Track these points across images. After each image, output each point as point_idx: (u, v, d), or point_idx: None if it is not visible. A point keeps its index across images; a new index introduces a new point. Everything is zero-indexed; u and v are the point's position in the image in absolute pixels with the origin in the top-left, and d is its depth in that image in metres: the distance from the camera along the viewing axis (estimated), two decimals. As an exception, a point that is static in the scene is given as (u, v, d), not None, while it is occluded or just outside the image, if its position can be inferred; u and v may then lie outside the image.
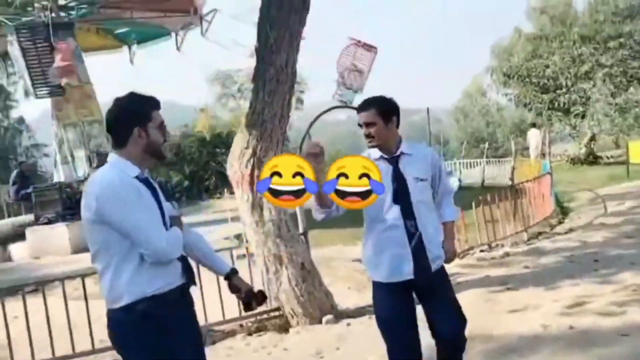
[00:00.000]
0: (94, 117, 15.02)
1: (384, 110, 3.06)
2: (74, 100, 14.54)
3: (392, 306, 3.04)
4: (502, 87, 25.53)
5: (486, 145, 20.69)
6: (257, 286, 5.65)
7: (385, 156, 3.07)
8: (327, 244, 10.16)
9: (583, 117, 21.17)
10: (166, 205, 2.50)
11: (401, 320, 3.04)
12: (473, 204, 8.05)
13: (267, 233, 5.41)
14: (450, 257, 3.22)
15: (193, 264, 2.63)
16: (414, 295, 3.11)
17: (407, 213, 2.99)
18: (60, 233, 11.67)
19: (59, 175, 14.40)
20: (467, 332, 3.11)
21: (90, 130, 14.81)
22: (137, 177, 2.39)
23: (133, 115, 2.41)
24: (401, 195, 3.00)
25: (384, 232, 3.01)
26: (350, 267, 8.13)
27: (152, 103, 2.46)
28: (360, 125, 3.09)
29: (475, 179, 19.53)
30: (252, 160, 5.47)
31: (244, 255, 5.83)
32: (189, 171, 22.92)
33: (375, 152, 3.07)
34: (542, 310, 4.96)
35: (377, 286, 3.10)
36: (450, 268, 6.78)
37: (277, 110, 5.52)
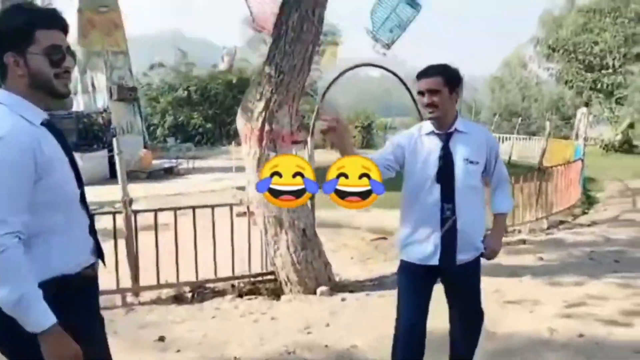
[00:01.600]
0: (120, 48, 14.74)
1: (451, 78, 2.79)
2: (100, 27, 14.22)
3: (411, 289, 2.90)
4: (544, 60, 24.46)
5: (518, 120, 19.93)
6: (255, 249, 5.48)
7: (437, 131, 2.82)
8: (340, 207, 9.88)
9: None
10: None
11: (414, 304, 2.89)
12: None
13: (269, 193, 5.09)
14: (490, 254, 2.89)
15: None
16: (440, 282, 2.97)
17: (447, 195, 2.76)
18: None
19: (78, 104, 14.27)
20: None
21: (114, 61, 14.55)
22: (42, 124, 1.81)
23: (3, 36, 1.77)
24: (444, 175, 2.76)
25: (420, 212, 2.82)
26: (359, 236, 7.87)
27: (37, 18, 1.79)
28: (420, 93, 2.81)
29: (503, 155, 18.94)
30: (263, 113, 5.09)
31: (244, 213, 5.53)
32: (211, 113, 22.64)
33: (427, 126, 2.86)
34: (551, 311, 4.60)
35: (403, 265, 2.94)
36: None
37: (297, 61, 5.09)
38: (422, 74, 2.83)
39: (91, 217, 1.98)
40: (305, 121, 18.80)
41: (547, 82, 31.97)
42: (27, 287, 1.67)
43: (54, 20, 1.82)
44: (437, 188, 2.76)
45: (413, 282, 2.88)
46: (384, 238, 7.71)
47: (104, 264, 2.06)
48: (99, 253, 2.00)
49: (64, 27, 1.84)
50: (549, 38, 22.63)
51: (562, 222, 8.35)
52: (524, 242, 7.12)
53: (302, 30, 4.97)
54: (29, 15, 1.80)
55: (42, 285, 1.74)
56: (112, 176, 10.43)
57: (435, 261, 2.78)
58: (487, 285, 5.21)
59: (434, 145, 2.81)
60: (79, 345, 1.78)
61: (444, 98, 2.76)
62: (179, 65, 26.03)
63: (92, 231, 1.98)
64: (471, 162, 2.78)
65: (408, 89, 7.40)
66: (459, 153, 2.78)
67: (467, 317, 2.95)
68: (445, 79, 2.77)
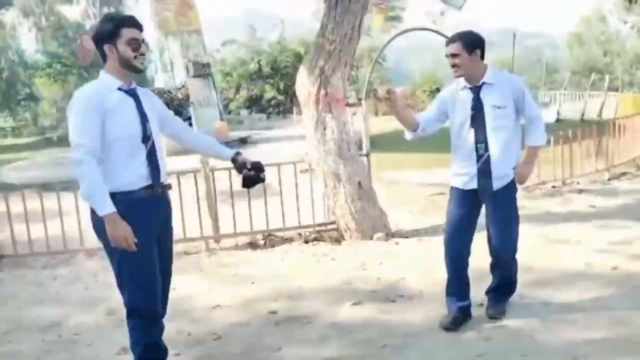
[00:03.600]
0: (193, 27, 15.66)
1: (468, 42, 3.39)
2: (174, 8, 15.17)
3: (458, 205, 3.56)
4: (625, 12, 23.23)
5: (592, 76, 19.27)
6: (318, 201, 6.11)
7: (469, 86, 3.45)
8: (408, 167, 10.39)
9: None
10: (159, 112, 2.92)
11: (461, 216, 3.55)
12: (552, 139, 7.79)
13: (328, 151, 5.69)
14: (520, 179, 3.53)
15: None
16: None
17: (480, 136, 3.41)
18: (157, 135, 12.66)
19: (159, 82, 15.42)
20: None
21: (189, 40, 15.50)
22: (120, 89, 2.76)
23: (102, 35, 2.75)
24: (477, 120, 3.41)
25: (461, 151, 3.49)
26: (419, 192, 8.32)
27: (121, 21, 2.78)
28: (447, 57, 3.43)
29: (577, 113, 18.56)
30: (319, 79, 5.66)
31: (306, 170, 6.17)
32: (282, 85, 23.39)
33: (462, 82, 3.48)
34: (591, 249, 4.94)
35: (453, 189, 3.61)
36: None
37: (347, 30, 5.61)
38: (447, 41, 3.46)
39: (153, 152, 2.81)
40: (373, 87, 19.12)
41: (629, 36, 30.31)
42: (94, 186, 2.62)
43: (132, 22, 2.79)
44: (472, 132, 3.42)
45: (458, 199, 3.55)
46: (443, 193, 8.12)
47: (159, 186, 2.88)
48: (154, 178, 2.83)
49: (139, 26, 2.80)
50: (626, -12, 21.42)
51: (624, 174, 8.40)
52: (580, 191, 7.32)
53: (351, 2, 5.46)
54: (117, 20, 2.80)
55: (120, 195, 2.69)
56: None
57: (474, 185, 3.46)
58: (533, 230, 5.68)
59: (467, 97, 3.44)
60: (141, 240, 2.69)
61: (464, 60, 3.36)
62: (249, 41, 26.94)
63: (152, 162, 2.81)
64: (498, 107, 3.38)
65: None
66: (488, 101, 3.38)
67: (504, 222, 3.54)
68: (463, 44, 3.37)
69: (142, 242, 2.74)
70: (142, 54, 2.79)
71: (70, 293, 4.75)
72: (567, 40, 39.42)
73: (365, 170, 5.95)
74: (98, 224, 2.77)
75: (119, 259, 2.79)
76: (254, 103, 24.23)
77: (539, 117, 3.55)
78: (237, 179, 5.95)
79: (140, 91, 2.87)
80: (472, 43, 3.38)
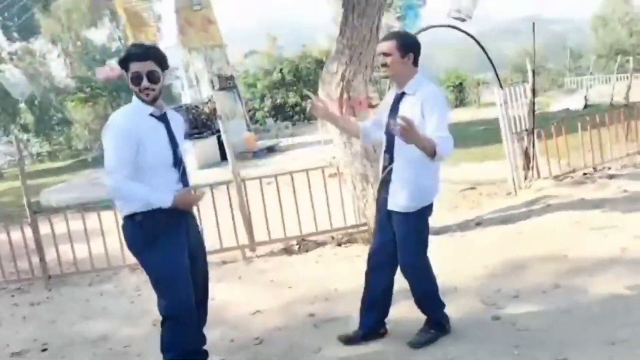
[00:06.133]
0: (215, 42, 15.97)
1: (402, 44, 3.15)
2: (196, 24, 15.51)
3: (377, 217, 3.50)
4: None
5: (618, 58, 18.90)
6: (348, 204, 6.20)
7: (396, 92, 3.29)
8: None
9: None
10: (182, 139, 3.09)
11: (379, 231, 3.47)
12: (579, 125, 7.73)
13: (354, 153, 5.77)
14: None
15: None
16: None
17: (388, 146, 3.26)
18: (187, 150, 12.94)
19: (186, 97, 15.74)
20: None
21: (212, 54, 15.81)
22: (152, 115, 2.94)
23: (122, 70, 2.93)
24: (388, 129, 3.22)
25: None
26: (449, 188, 8.33)
27: (128, 56, 2.91)
28: (378, 55, 3.25)
29: (606, 97, 18.25)
30: (341, 84, 5.75)
31: (335, 174, 6.27)
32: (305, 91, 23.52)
33: (394, 89, 3.33)
34: (626, 233, 4.90)
35: None
36: (545, 189, 6.80)
37: (365, 33, 5.68)
38: (381, 39, 3.29)
39: (184, 174, 3.05)
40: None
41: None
42: (142, 193, 2.86)
43: (137, 56, 2.86)
44: (385, 139, 3.28)
45: (378, 212, 3.46)
46: (473, 188, 8.16)
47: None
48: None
49: (145, 58, 2.85)
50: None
51: (656, 156, 8.25)
52: (611, 177, 7.24)
53: (367, 4, 5.55)
54: (126, 55, 2.93)
55: (132, 215, 2.91)
56: (223, 159, 11.74)
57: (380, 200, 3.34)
58: (567, 218, 5.68)
59: (391, 104, 3.28)
60: (169, 251, 2.95)
61: (394, 60, 3.12)
62: (270, 50, 27.19)
63: (185, 184, 3.05)
64: None
65: (481, 46, 7.70)
66: (401, 112, 3.08)
67: (401, 245, 3.37)
68: (397, 44, 3.12)
69: (172, 254, 2.94)
70: (147, 89, 2.86)
71: (116, 307, 4.95)
72: (592, 23, 38.58)
73: (393, 170, 6.00)
74: (131, 240, 2.99)
75: (153, 270, 3.00)
76: (279, 111, 24.42)
77: (442, 137, 2.97)
78: (268, 187, 6.24)
79: (170, 114, 3.05)
80: (407, 46, 3.14)
